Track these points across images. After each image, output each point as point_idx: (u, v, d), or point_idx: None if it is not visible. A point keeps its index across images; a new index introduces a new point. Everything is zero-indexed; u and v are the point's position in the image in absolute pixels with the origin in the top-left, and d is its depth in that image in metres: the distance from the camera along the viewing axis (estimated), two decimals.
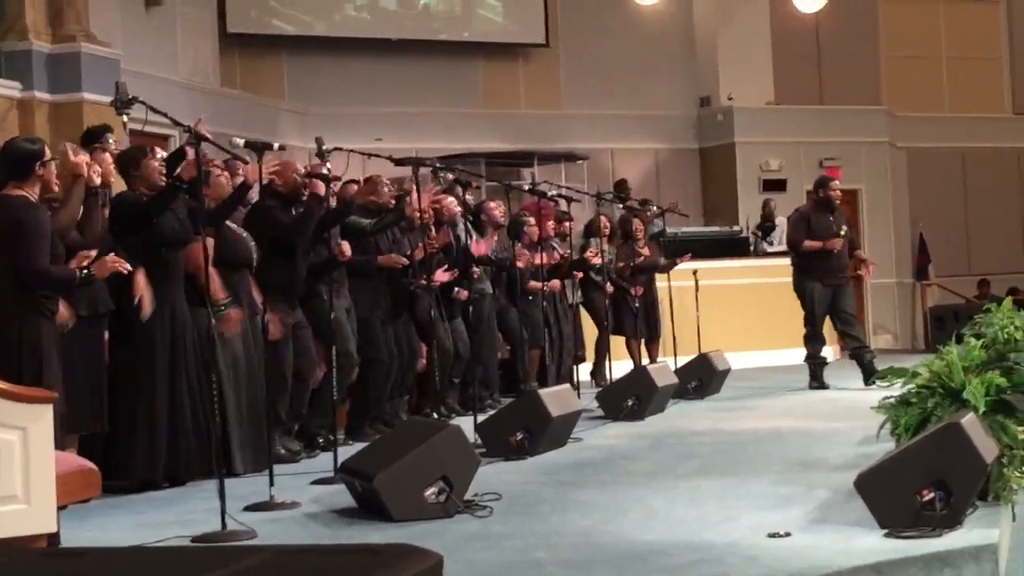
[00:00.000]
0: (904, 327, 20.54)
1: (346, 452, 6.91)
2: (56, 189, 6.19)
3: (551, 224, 12.06)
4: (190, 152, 6.86)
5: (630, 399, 9.89)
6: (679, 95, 20.14)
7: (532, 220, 11.50)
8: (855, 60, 21.23)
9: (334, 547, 2.59)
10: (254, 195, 8.22)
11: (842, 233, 11.89)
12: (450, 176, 10.49)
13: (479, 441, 7.76)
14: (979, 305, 12.24)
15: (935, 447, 5.09)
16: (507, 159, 18.05)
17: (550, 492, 6.54)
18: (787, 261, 16.31)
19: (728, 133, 19.84)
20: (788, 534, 5.08)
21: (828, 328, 12.32)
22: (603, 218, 13.20)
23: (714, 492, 6.32)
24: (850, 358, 12.10)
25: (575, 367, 12.06)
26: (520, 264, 10.80)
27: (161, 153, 7.48)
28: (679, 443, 8.45)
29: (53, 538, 4.36)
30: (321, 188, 8.00)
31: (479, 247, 10.38)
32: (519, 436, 7.82)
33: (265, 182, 7.81)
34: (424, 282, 9.01)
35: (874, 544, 4.83)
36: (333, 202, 8.53)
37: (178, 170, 7.17)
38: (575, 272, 12.18)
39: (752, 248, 17.19)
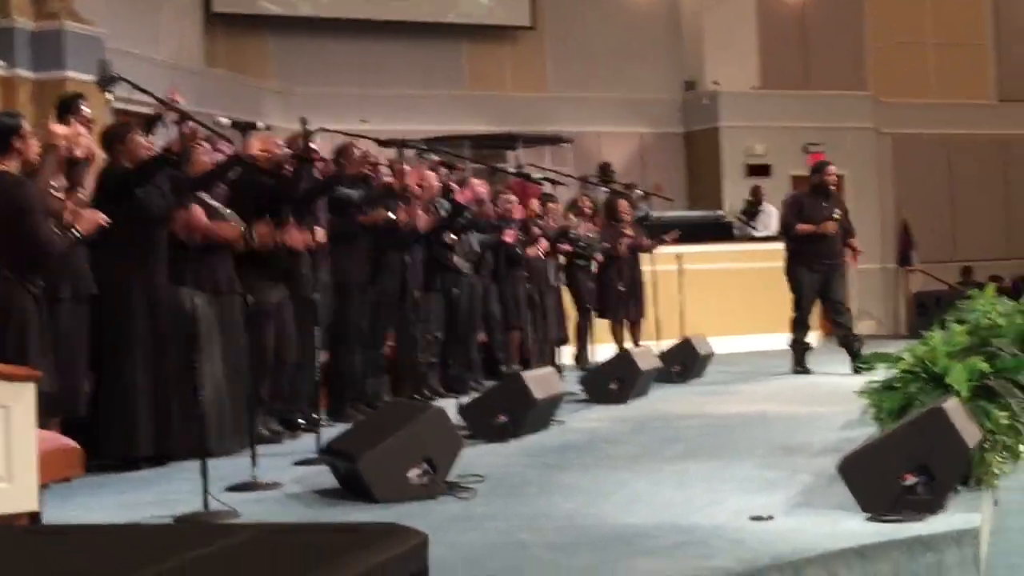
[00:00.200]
0: (887, 313, 20.59)
1: (329, 433, 6.89)
2: (35, 160, 6.18)
3: (535, 203, 12.06)
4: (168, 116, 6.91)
5: (613, 382, 9.89)
6: (664, 79, 20.13)
7: (513, 197, 11.50)
8: (841, 45, 21.24)
9: (319, 525, 2.58)
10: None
11: (835, 217, 11.83)
12: (434, 157, 10.46)
13: (462, 423, 7.75)
14: (962, 291, 12.28)
15: (918, 432, 5.10)
16: (492, 141, 18.02)
17: (534, 474, 6.53)
18: (771, 246, 16.40)
19: (713, 117, 19.84)
20: (771, 517, 5.09)
21: (815, 314, 12.30)
22: (584, 198, 13.21)
23: (698, 475, 6.32)
24: (839, 345, 12.08)
25: (558, 349, 12.05)
26: (508, 239, 10.79)
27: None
28: (663, 427, 8.45)
29: (35, 517, 4.34)
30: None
31: (464, 194, 10.30)
32: (502, 419, 7.81)
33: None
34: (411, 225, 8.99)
35: (857, 528, 4.84)
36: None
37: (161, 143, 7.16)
38: (559, 247, 12.18)
39: (736, 232, 17.19)
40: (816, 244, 11.76)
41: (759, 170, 19.70)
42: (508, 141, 17.91)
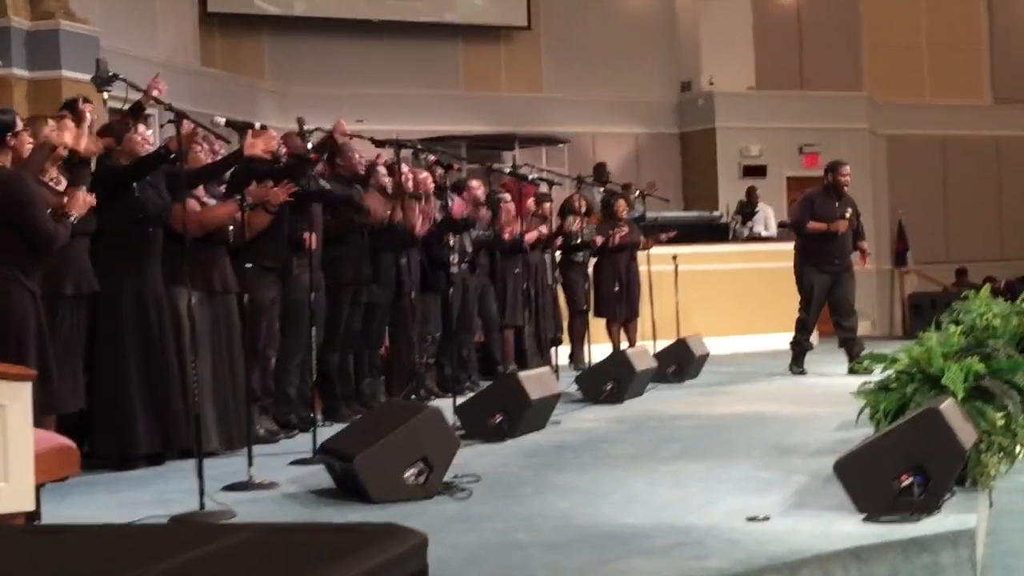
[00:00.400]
0: (882, 314, 20.60)
1: (324, 433, 6.88)
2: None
3: (530, 203, 12.09)
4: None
5: (609, 382, 9.90)
6: (660, 79, 20.14)
7: (508, 196, 11.51)
8: (836, 46, 21.25)
9: (318, 525, 2.58)
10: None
11: (847, 217, 11.73)
12: (431, 158, 10.46)
13: (458, 423, 7.75)
14: (957, 292, 12.26)
15: (914, 433, 5.10)
16: (488, 142, 18.04)
17: (530, 474, 6.54)
18: (766, 247, 16.46)
19: (709, 118, 19.85)
20: (767, 518, 5.09)
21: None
22: (577, 196, 13.22)
23: (694, 476, 6.32)
24: (839, 347, 12.03)
25: (553, 349, 12.05)
26: (506, 236, 10.79)
27: (147, 130, 7.45)
28: (659, 427, 8.46)
29: (32, 516, 4.34)
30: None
31: (457, 208, 10.29)
32: (498, 418, 7.81)
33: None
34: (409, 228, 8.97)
35: (852, 529, 4.84)
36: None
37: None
38: (556, 243, 12.21)
39: (731, 234, 17.21)
40: (826, 243, 11.69)
41: (755, 171, 19.71)
42: (505, 141, 17.92)
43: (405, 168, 9.70)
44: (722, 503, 5.51)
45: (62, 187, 6.55)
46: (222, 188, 8.05)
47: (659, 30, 20.16)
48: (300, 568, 1.99)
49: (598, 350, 11.81)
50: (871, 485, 5.04)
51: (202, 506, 5.52)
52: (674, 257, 12.99)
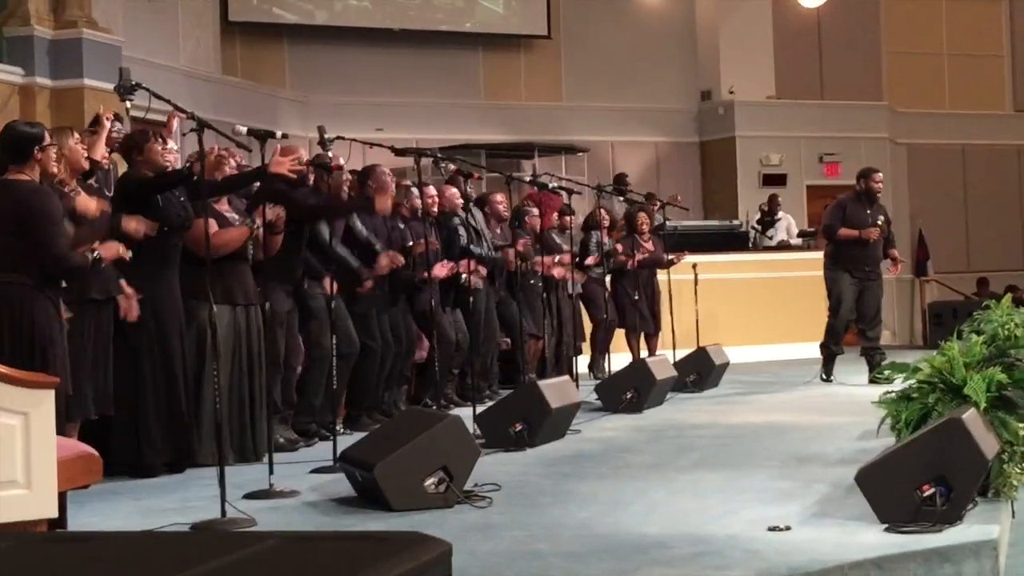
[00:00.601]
0: (902, 323, 20.56)
1: (345, 442, 6.89)
2: (55, 172, 6.22)
3: (554, 216, 12.09)
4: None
5: (629, 392, 9.89)
6: (680, 88, 20.14)
7: (535, 211, 11.50)
8: (857, 55, 21.23)
9: (342, 534, 2.58)
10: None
11: (879, 225, 11.64)
12: (451, 167, 10.47)
13: (478, 432, 7.75)
14: (978, 302, 12.20)
15: (936, 442, 5.08)
16: (508, 151, 18.05)
17: (550, 484, 6.53)
18: (787, 256, 16.43)
19: (729, 127, 19.85)
20: (788, 528, 5.08)
21: None
22: (602, 211, 13.22)
23: (714, 485, 6.31)
24: (860, 355, 11.97)
25: (574, 359, 12.05)
26: (520, 247, 10.78)
27: (171, 144, 7.48)
28: (678, 436, 8.44)
29: (56, 523, 4.36)
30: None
31: (440, 270, 10.13)
32: (518, 427, 7.81)
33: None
34: (425, 275, 8.99)
35: (874, 539, 4.83)
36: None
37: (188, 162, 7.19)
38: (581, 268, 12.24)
39: (751, 243, 17.20)
40: (856, 250, 11.61)
41: (775, 180, 19.70)
42: (524, 150, 17.93)
43: (431, 190, 9.75)
44: (743, 513, 5.50)
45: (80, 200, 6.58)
46: (245, 201, 8.08)
47: (679, 39, 20.16)
48: None
49: (618, 359, 11.79)
50: (893, 495, 5.02)
51: (223, 514, 5.52)
52: (694, 266, 12.98)
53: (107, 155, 7.50)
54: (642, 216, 13.28)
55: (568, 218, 12.21)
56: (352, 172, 8.89)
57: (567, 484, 6.51)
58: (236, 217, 7.73)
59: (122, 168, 7.73)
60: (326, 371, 8.11)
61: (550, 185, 10.96)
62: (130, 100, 6.51)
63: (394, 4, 18.31)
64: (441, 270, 9.65)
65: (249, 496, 6.16)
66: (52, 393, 4.35)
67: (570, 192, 11.25)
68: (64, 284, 6.11)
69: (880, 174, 12.01)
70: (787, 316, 15.43)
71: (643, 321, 13.04)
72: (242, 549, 2.25)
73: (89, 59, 12.06)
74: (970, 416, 5.26)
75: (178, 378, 7.16)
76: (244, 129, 6.80)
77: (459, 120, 18.15)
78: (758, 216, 18.12)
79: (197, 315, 7.30)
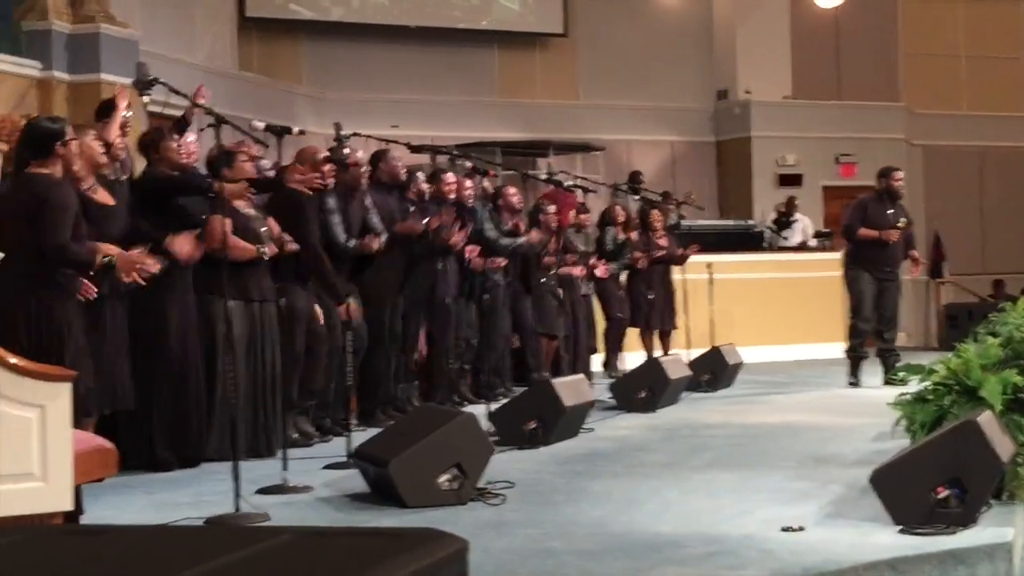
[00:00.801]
0: (917, 324, 20.49)
1: (359, 438, 6.90)
2: (77, 168, 6.23)
3: (571, 214, 12.08)
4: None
5: (643, 391, 9.88)
6: (696, 88, 20.11)
7: (552, 208, 11.48)
8: (874, 56, 21.18)
9: (357, 529, 2.58)
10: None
11: (899, 226, 11.59)
12: (467, 164, 10.48)
13: (492, 429, 7.75)
14: (993, 304, 12.16)
15: (951, 445, 5.07)
16: (523, 148, 18.04)
17: (563, 482, 6.53)
18: (802, 256, 16.41)
19: (745, 127, 19.82)
20: (802, 528, 5.07)
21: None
22: (618, 207, 13.22)
23: (728, 485, 6.31)
24: (876, 356, 11.90)
25: (588, 357, 12.05)
26: (533, 238, 10.75)
27: (191, 136, 7.50)
28: (692, 435, 8.44)
29: (71, 516, 4.37)
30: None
31: (459, 237, 10.16)
32: (533, 425, 7.81)
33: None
34: (445, 238, 8.94)
35: (888, 540, 4.82)
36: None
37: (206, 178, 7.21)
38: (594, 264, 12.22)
39: (766, 243, 17.17)
40: (876, 251, 11.50)
41: (790, 180, 19.67)
42: (540, 148, 17.92)
43: (451, 176, 9.73)
44: (757, 513, 5.49)
45: (99, 196, 6.59)
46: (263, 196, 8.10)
47: (696, 38, 20.14)
48: (341, 572, 1.99)
49: (632, 358, 11.79)
50: (908, 497, 5.01)
51: (237, 508, 5.54)
52: (709, 266, 12.96)
53: (121, 139, 7.47)
54: (655, 213, 13.27)
55: (584, 216, 12.20)
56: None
57: (581, 482, 6.51)
58: (252, 212, 7.73)
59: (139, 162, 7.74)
60: (336, 366, 8.12)
61: (565, 183, 10.96)
62: (148, 95, 6.53)
63: (411, 1, 18.32)
64: (460, 237, 9.59)
65: (262, 491, 6.18)
66: (69, 386, 4.35)
67: (585, 190, 11.27)
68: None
69: (901, 172, 11.91)
70: (802, 317, 15.40)
71: (661, 318, 13.02)
72: (256, 544, 2.25)
73: (107, 53, 12.07)
74: (985, 418, 5.25)
75: (189, 374, 7.16)
76: (261, 125, 6.82)
77: (475, 117, 18.15)
78: (774, 216, 18.09)
79: (212, 311, 7.31)
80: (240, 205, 7.67)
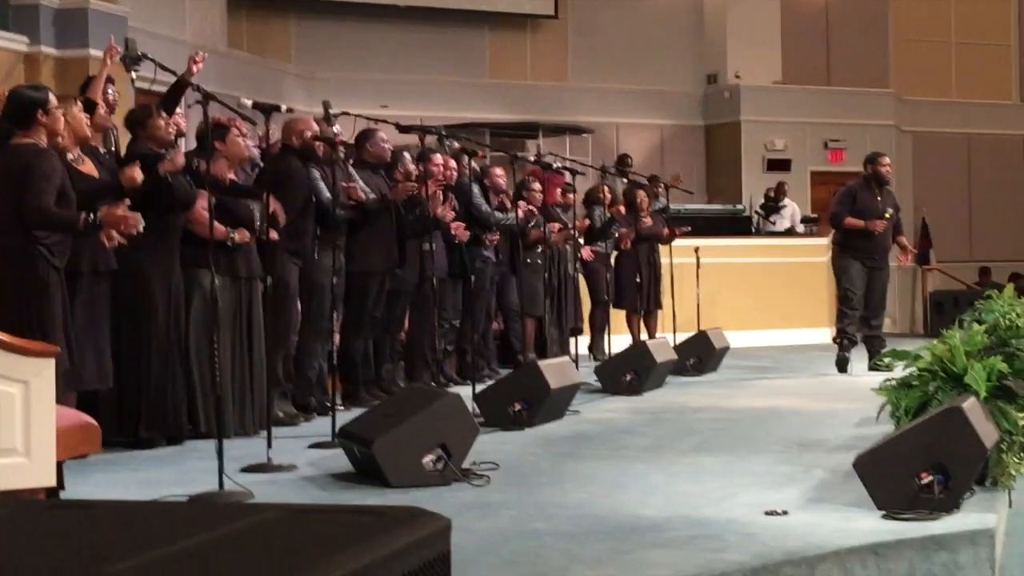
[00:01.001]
0: (903, 311, 20.55)
1: (344, 417, 6.90)
2: (63, 137, 6.20)
3: (556, 192, 12.07)
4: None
5: (629, 374, 9.89)
6: (686, 72, 20.11)
7: (537, 185, 11.47)
8: (864, 42, 21.18)
9: (342, 507, 2.58)
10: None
11: (887, 216, 11.54)
12: (455, 144, 10.45)
13: (477, 410, 7.75)
14: (979, 291, 12.15)
15: (935, 431, 5.08)
16: (512, 130, 18.04)
17: (548, 463, 6.54)
18: (789, 241, 16.43)
19: (734, 111, 19.83)
20: (786, 512, 5.08)
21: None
22: (605, 187, 13.22)
23: (713, 469, 6.32)
24: (862, 341, 11.89)
25: (574, 339, 12.04)
26: (520, 213, 10.73)
27: (179, 110, 7.47)
28: (677, 419, 8.45)
29: (53, 492, 4.36)
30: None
31: (446, 211, 10.17)
32: (518, 407, 7.81)
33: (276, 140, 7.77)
34: (433, 209, 8.94)
35: (871, 525, 4.83)
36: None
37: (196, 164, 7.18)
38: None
39: (754, 227, 17.18)
40: (865, 239, 11.47)
41: (779, 165, 19.70)
42: (529, 130, 17.91)
43: (439, 157, 9.71)
44: (740, 497, 5.50)
45: (84, 167, 6.55)
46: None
47: (686, 22, 20.13)
48: (325, 549, 1.99)
49: (618, 341, 11.79)
50: (891, 482, 5.02)
51: (221, 486, 5.53)
52: (696, 250, 12.96)
53: (107, 112, 7.43)
54: (641, 193, 13.26)
55: (570, 196, 12.20)
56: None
57: (565, 464, 6.51)
58: (244, 187, 7.73)
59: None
60: (325, 347, 8.12)
61: (554, 165, 10.94)
62: (136, 71, 6.50)
63: None
64: (447, 211, 9.58)
65: (247, 469, 6.17)
66: (52, 362, 4.35)
67: (573, 172, 11.24)
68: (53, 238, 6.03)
69: (887, 158, 11.89)
70: (788, 301, 15.42)
71: (646, 299, 13.01)
72: (240, 520, 2.25)
73: (95, 29, 12.03)
74: (970, 405, 5.26)
75: (174, 351, 7.14)
76: (249, 103, 6.79)
77: (464, 98, 18.13)
78: (762, 201, 18.10)
79: (199, 286, 7.29)
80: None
